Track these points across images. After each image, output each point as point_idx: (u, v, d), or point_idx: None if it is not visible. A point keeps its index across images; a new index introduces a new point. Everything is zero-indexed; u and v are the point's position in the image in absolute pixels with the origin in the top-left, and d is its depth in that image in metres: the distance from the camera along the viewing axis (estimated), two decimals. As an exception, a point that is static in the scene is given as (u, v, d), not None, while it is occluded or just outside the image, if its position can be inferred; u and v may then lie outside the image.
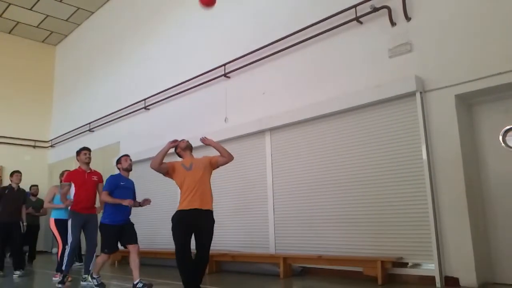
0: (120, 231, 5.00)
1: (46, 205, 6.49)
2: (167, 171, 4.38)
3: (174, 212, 4.33)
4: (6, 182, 8.04)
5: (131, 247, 4.96)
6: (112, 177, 5.18)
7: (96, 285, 5.01)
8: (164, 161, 4.39)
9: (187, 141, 4.59)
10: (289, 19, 6.42)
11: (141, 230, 8.34)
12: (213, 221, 4.38)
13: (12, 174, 7.16)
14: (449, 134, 4.57)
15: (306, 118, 5.92)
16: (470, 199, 4.41)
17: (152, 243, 7.93)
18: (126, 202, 4.89)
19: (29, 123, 13.00)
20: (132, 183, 5.25)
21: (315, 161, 5.82)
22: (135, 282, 4.74)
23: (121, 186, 5.04)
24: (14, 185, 7.06)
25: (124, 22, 10.67)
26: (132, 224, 5.17)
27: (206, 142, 4.53)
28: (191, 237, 4.26)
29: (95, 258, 5.44)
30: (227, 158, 4.46)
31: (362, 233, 5.17)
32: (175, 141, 4.51)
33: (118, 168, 5.26)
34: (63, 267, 5.39)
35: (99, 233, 5.22)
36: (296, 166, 6.05)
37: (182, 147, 4.55)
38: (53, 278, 5.92)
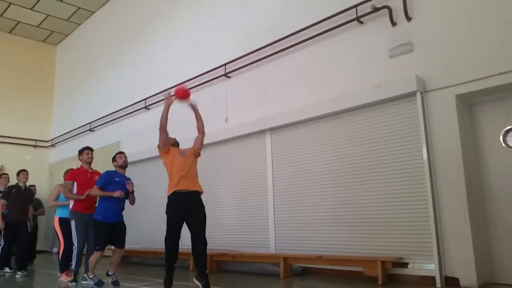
0: (112, 230, 5.07)
1: (51, 203, 6.49)
2: (165, 144, 4.63)
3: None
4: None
5: (118, 250, 5.22)
6: (107, 173, 5.24)
7: (95, 284, 5.02)
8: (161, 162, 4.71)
9: (174, 138, 4.85)
10: (290, 19, 6.42)
11: (141, 230, 8.38)
12: (203, 206, 4.60)
13: (18, 173, 7.16)
14: (449, 134, 4.57)
15: (307, 118, 5.92)
16: (470, 199, 4.41)
17: (152, 243, 7.93)
18: (116, 194, 4.95)
19: (30, 122, 13.01)
20: (128, 180, 5.28)
21: (316, 161, 5.82)
22: (109, 273, 5.14)
23: (116, 181, 5.10)
24: (21, 184, 7.07)
25: (124, 22, 10.68)
26: (125, 227, 5.26)
27: (195, 108, 4.86)
28: (183, 223, 4.51)
29: None
30: (202, 134, 4.88)
31: (363, 233, 5.17)
32: (169, 97, 4.74)
33: (114, 166, 5.35)
34: (73, 267, 5.43)
35: None
36: (296, 166, 6.05)
37: (170, 144, 4.78)
38: (59, 279, 5.91)
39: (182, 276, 5.88)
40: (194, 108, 4.87)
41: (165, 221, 4.51)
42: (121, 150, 9.49)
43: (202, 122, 4.91)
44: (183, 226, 4.55)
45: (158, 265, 7.31)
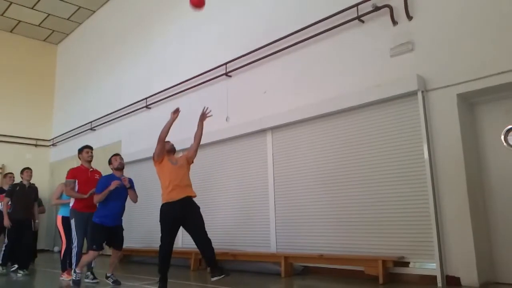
0: (109, 233, 5.10)
1: (54, 201, 6.52)
2: (160, 155, 4.67)
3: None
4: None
5: (115, 252, 5.28)
6: (104, 178, 5.24)
7: (72, 282, 4.99)
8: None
9: (172, 144, 4.88)
10: (290, 18, 6.41)
11: (142, 229, 8.38)
12: (198, 207, 4.64)
13: (22, 171, 7.18)
14: (450, 134, 4.57)
15: (307, 117, 5.92)
16: (471, 198, 4.41)
17: (152, 242, 7.93)
18: (113, 186, 4.99)
19: (31, 121, 13.01)
20: (123, 177, 5.27)
21: (316, 160, 5.82)
22: (108, 274, 5.25)
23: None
24: (25, 182, 7.08)
25: (125, 21, 10.68)
26: (122, 229, 5.29)
27: (203, 118, 4.93)
28: (178, 230, 4.59)
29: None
30: (197, 144, 4.92)
31: (364, 232, 5.17)
32: (177, 110, 4.77)
33: (111, 169, 5.36)
34: (73, 266, 5.43)
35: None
36: (297, 165, 6.05)
37: (167, 149, 4.81)
38: (60, 278, 5.91)
39: (182, 276, 5.90)
40: (204, 117, 4.94)
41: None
42: (122, 149, 9.57)
43: (202, 132, 4.95)
44: (182, 230, 4.61)
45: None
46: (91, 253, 5.00)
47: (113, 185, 4.99)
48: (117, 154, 5.46)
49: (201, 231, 4.50)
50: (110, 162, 5.38)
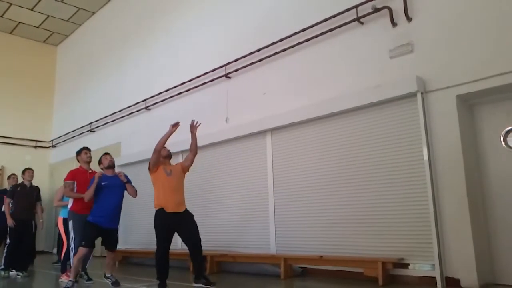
0: (103, 233, 5.08)
1: (56, 203, 6.52)
2: (155, 165, 4.74)
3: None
4: (5, 183, 8.11)
5: (109, 253, 5.26)
6: (94, 180, 5.21)
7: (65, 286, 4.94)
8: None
9: (168, 150, 4.95)
10: (290, 20, 6.42)
11: (141, 230, 8.38)
12: (192, 214, 4.73)
13: (24, 172, 7.21)
14: (450, 135, 4.57)
15: (307, 119, 5.92)
16: (471, 200, 4.40)
17: (151, 243, 7.90)
18: (96, 179, 5.04)
19: (30, 123, 13.00)
20: (118, 178, 5.25)
21: (316, 161, 5.82)
22: (107, 275, 5.20)
23: (103, 186, 5.06)
24: (26, 182, 7.09)
25: (125, 22, 10.69)
26: (117, 232, 5.27)
27: (194, 130, 4.98)
28: (172, 237, 4.66)
29: (92, 257, 5.51)
30: (193, 155, 4.98)
31: (363, 234, 5.16)
32: (177, 124, 4.81)
33: (102, 169, 5.34)
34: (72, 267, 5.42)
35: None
36: (297, 167, 6.05)
37: (163, 155, 4.88)
38: (60, 280, 5.90)
39: (182, 276, 5.89)
40: (194, 129, 5.00)
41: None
42: (122, 150, 9.58)
43: (196, 143, 5.02)
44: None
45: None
46: (80, 250, 4.89)
47: (96, 177, 5.03)
48: (106, 153, 5.45)
49: (194, 238, 4.60)
50: (100, 162, 5.37)
